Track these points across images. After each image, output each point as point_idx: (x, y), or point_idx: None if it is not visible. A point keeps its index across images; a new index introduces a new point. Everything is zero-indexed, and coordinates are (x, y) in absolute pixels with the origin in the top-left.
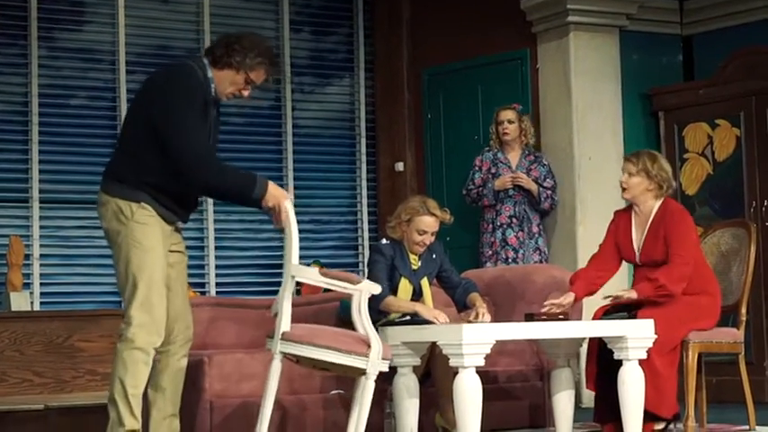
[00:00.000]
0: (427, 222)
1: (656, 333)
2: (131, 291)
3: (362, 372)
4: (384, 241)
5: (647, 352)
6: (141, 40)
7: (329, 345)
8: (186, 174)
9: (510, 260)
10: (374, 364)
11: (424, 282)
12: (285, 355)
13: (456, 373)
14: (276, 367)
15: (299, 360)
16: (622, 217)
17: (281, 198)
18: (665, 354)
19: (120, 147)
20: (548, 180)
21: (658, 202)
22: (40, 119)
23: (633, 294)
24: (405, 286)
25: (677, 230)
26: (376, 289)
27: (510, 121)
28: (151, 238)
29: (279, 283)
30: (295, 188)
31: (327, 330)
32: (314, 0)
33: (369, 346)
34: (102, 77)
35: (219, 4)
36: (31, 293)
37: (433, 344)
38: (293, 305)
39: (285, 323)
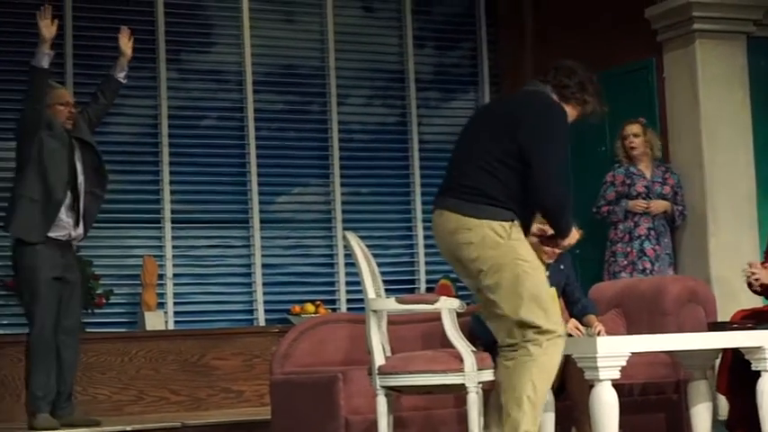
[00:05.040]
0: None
1: None
2: (533, 309)
3: (462, 387)
4: None
5: None
6: (267, 60)
7: (423, 369)
8: (541, 210)
9: (647, 271)
10: (471, 377)
11: (552, 291)
12: (387, 389)
13: (591, 386)
14: (382, 403)
15: (401, 390)
16: None
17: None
18: None
19: (478, 165)
20: (679, 192)
21: None
22: (170, 140)
23: None
24: None
25: None
26: (453, 304)
27: (636, 135)
28: (532, 254)
29: None
30: (423, 203)
31: (421, 355)
32: (437, 15)
33: (462, 361)
34: (229, 98)
35: (344, 21)
36: (166, 313)
37: (568, 357)
38: (411, 322)
39: (378, 358)
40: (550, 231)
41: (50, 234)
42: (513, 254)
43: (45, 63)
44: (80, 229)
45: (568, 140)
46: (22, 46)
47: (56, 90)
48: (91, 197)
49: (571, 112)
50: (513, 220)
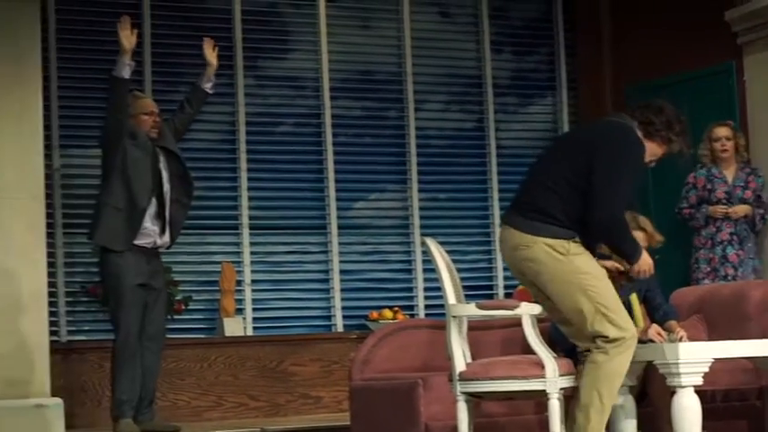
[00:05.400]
0: (637, 237)
1: None
2: (599, 320)
3: (543, 393)
4: None
5: None
6: (344, 66)
7: (504, 375)
8: (596, 228)
9: (729, 277)
10: (552, 384)
11: (633, 297)
12: (468, 395)
13: (673, 392)
14: (462, 409)
15: (481, 396)
16: None
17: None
18: None
19: (544, 184)
20: (763, 196)
21: None
22: (247, 146)
23: None
24: None
25: None
26: (534, 309)
27: (728, 138)
28: (593, 264)
29: None
30: (501, 209)
31: (502, 361)
32: (514, 20)
33: (543, 367)
34: (306, 104)
35: (420, 27)
36: (244, 319)
37: (649, 363)
38: (491, 328)
39: (459, 364)
40: (622, 267)
41: (136, 242)
42: (572, 268)
43: (125, 73)
44: (166, 237)
45: (640, 177)
46: (104, 54)
47: (140, 100)
48: (177, 205)
49: (656, 149)
50: (572, 238)
